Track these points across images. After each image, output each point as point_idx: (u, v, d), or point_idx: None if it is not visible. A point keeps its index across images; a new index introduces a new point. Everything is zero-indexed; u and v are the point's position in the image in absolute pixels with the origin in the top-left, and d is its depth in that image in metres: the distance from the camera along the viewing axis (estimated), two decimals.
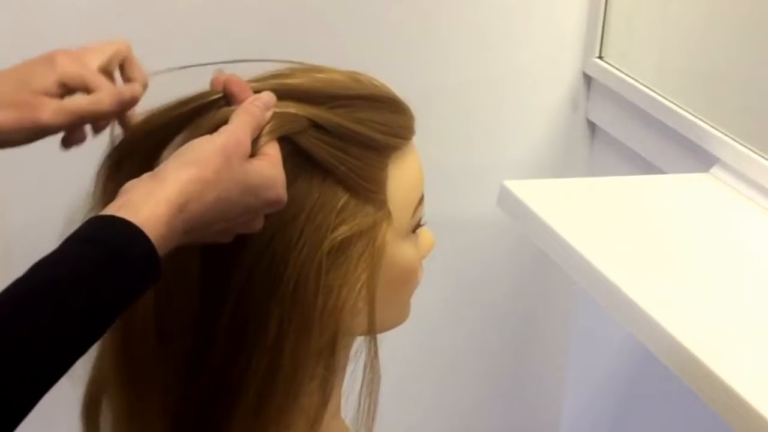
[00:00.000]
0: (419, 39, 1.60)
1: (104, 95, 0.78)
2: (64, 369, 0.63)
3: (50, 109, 0.77)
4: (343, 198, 0.78)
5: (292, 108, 0.77)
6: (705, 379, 0.99)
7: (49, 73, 0.79)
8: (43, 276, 0.63)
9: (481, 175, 1.66)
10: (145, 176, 0.69)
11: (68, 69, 0.79)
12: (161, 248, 0.66)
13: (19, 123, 0.78)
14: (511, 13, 1.63)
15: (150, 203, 0.66)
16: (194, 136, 0.73)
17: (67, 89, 0.79)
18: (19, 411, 0.61)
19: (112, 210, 0.66)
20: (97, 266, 0.63)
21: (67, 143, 0.82)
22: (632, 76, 1.60)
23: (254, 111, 0.74)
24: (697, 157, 1.45)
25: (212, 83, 0.79)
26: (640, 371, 1.71)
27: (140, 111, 0.81)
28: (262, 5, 1.49)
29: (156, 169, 0.70)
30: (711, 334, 1.06)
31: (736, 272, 1.19)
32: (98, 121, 0.81)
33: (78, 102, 0.78)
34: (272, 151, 0.74)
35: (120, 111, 0.80)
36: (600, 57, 1.67)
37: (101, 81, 0.79)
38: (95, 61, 0.81)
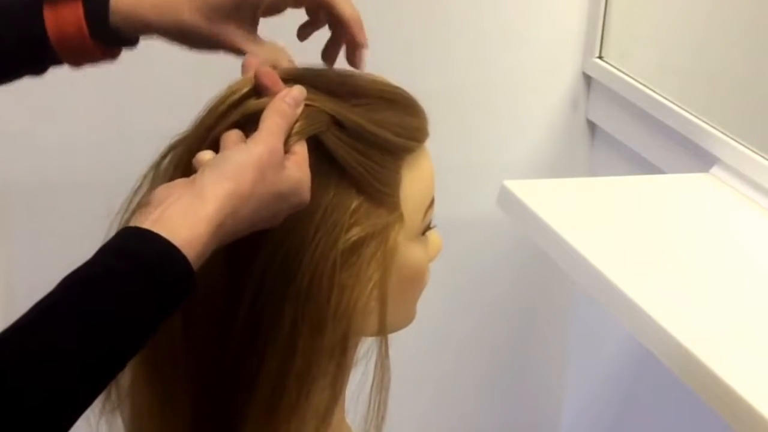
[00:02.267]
0: (419, 39, 1.60)
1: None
2: (102, 386, 0.64)
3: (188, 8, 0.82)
4: (357, 199, 0.78)
5: (317, 102, 0.77)
6: (704, 379, 0.99)
7: None
8: (80, 291, 0.64)
9: (481, 175, 1.66)
10: (180, 186, 0.69)
11: None
12: (196, 264, 0.67)
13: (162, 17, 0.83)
14: (511, 13, 1.63)
15: (190, 223, 0.66)
16: (226, 130, 0.74)
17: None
18: (60, 425, 0.61)
19: (149, 223, 0.66)
20: (135, 285, 0.64)
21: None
22: (632, 76, 1.60)
23: (286, 110, 0.75)
24: (697, 157, 1.45)
25: (244, 67, 0.79)
26: (639, 371, 1.71)
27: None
28: None
29: (192, 179, 0.70)
30: (711, 334, 1.06)
31: (736, 272, 1.19)
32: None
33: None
34: (300, 150, 0.75)
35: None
36: (600, 57, 1.67)
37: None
38: None
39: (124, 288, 0.64)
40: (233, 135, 0.74)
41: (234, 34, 0.83)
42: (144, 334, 0.65)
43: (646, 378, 1.68)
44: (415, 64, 1.59)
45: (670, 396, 1.59)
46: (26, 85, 1.41)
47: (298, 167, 0.73)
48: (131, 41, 0.87)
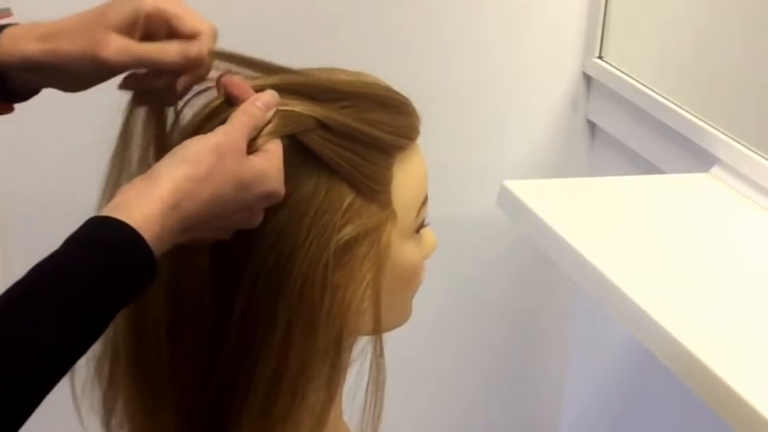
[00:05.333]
0: (419, 39, 1.60)
1: (172, 46, 0.77)
2: (64, 370, 0.64)
3: (114, 46, 0.76)
4: (348, 197, 0.78)
5: (297, 107, 0.77)
6: (704, 379, 0.99)
7: (129, 8, 0.77)
8: (43, 278, 0.64)
9: (481, 175, 1.66)
10: (139, 177, 0.70)
11: (155, 4, 0.77)
12: (157, 247, 0.67)
13: (82, 54, 0.76)
14: (511, 13, 1.63)
15: (144, 203, 0.67)
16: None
17: (144, 28, 0.77)
18: (22, 411, 0.62)
19: (107, 210, 0.67)
20: (95, 268, 0.64)
21: (124, 84, 0.80)
22: (632, 76, 1.60)
23: (253, 111, 0.75)
24: (697, 157, 1.45)
25: (218, 86, 0.79)
26: (639, 371, 1.71)
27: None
28: (262, 5, 1.49)
29: (150, 170, 0.70)
30: (711, 334, 1.06)
31: (736, 272, 1.19)
32: (160, 72, 0.78)
33: (143, 46, 0.77)
34: (272, 148, 0.75)
35: (183, 68, 0.78)
36: (600, 57, 1.67)
37: (186, 24, 0.77)
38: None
39: (82, 271, 0.64)
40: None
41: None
42: (106, 316, 0.65)
43: (646, 378, 1.68)
44: (415, 64, 1.59)
45: (671, 396, 1.59)
46: None
47: (266, 160, 0.73)
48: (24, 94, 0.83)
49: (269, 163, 0.73)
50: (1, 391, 0.60)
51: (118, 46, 0.76)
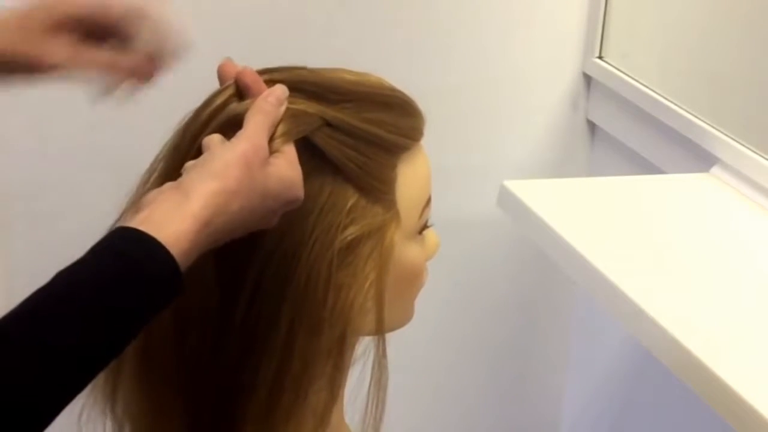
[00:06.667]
0: (419, 39, 1.60)
1: (126, 58, 0.79)
2: (86, 381, 0.64)
3: (62, 55, 0.77)
4: (353, 197, 0.78)
5: (304, 105, 0.77)
6: (704, 379, 0.99)
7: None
8: (67, 287, 0.64)
9: (481, 175, 1.66)
10: (168, 187, 0.70)
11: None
12: (184, 263, 0.66)
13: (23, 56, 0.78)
14: (510, 13, 1.63)
15: (176, 219, 0.66)
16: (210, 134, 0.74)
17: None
18: (41, 421, 0.61)
19: (136, 222, 0.66)
20: (120, 281, 0.64)
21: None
22: (632, 76, 1.60)
23: (268, 109, 0.74)
24: (697, 157, 1.45)
25: (220, 71, 0.79)
26: (640, 371, 1.71)
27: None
28: (261, 5, 1.49)
29: (179, 180, 0.70)
30: (711, 334, 1.06)
31: (736, 272, 1.19)
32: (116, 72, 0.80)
33: (94, 55, 0.78)
34: (289, 150, 0.75)
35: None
36: (600, 57, 1.67)
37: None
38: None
39: (108, 284, 0.64)
40: (215, 138, 0.74)
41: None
42: (130, 331, 0.65)
43: (646, 378, 1.68)
44: (414, 63, 1.59)
45: (670, 396, 1.59)
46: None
47: (288, 165, 0.73)
48: None
49: (290, 170, 0.73)
50: (23, 400, 0.60)
51: (66, 56, 0.78)
